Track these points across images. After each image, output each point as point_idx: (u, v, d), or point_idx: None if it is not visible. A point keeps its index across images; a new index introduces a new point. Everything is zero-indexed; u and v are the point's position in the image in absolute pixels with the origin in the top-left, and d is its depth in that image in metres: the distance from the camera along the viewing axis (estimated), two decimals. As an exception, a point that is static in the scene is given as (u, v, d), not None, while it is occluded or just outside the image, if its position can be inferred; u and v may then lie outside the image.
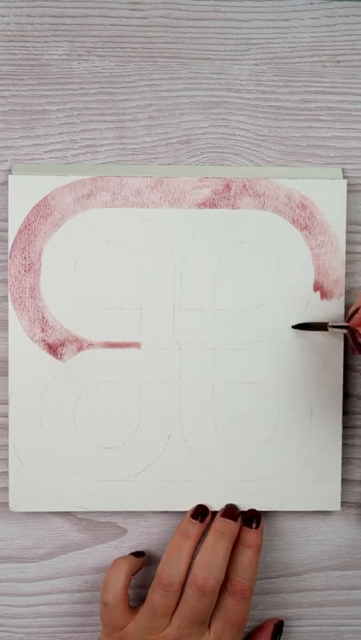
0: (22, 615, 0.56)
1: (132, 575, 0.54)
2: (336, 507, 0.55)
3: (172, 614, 0.52)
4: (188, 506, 0.55)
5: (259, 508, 0.55)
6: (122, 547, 0.56)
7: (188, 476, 0.55)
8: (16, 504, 0.54)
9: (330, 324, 0.52)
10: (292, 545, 0.57)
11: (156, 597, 0.51)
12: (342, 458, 0.55)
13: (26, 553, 0.56)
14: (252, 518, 0.54)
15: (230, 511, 0.54)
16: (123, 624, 0.52)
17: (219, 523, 0.53)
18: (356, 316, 0.50)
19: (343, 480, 0.56)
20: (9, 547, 0.56)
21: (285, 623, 0.57)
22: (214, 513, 0.54)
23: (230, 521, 0.53)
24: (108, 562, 0.56)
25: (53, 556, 0.56)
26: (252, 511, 0.55)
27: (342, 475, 0.55)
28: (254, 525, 0.54)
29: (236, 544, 0.53)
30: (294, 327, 0.54)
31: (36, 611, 0.56)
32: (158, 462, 0.55)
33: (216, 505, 0.55)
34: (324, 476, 0.55)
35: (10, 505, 0.54)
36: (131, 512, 0.56)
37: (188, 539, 0.53)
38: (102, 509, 0.55)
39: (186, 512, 0.55)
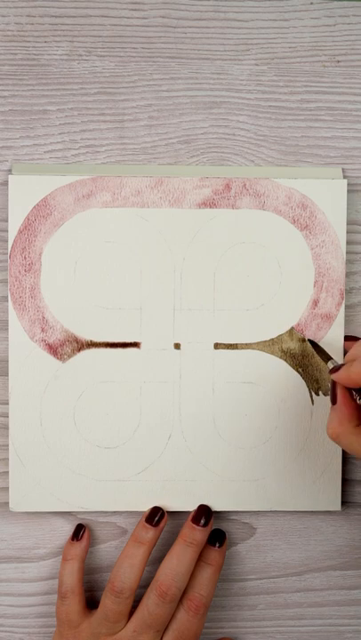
0: (22, 615, 0.56)
1: (83, 562, 0.54)
2: (336, 507, 0.55)
3: (128, 618, 0.52)
4: (188, 506, 0.55)
5: (259, 508, 0.55)
6: (122, 547, 0.56)
7: (188, 476, 0.55)
8: (16, 504, 0.54)
9: (330, 365, 0.51)
10: (292, 545, 0.57)
11: (107, 602, 0.52)
12: (342, 458, 0.55)
13: (26, 553, 0.56)
14: (216, 537, 0.54)
15: (200, 515, 0.54)
16: (78, 621, 0.52)
17: (187, 530, 0.53)
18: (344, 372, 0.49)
19: (343, 480, 0.56)
20: (9, 547, 0.56)
21: (285, 623, 0.57)
22: (224, 513, 0.54)
23: (199, 529, 0.53)
24: (108, 562, 0.56)
25: (53, 556, 0.56)
26: (217, 530, 0.55)
27: (342, 475, 0.55)
28: (217, 545, 0.54)
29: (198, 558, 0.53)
30: (309, 341, 0.54)
31: (36, 611, 0.56)
32: (158, 462, 0.55)
33: (216, 505, 0.55)
34: (324, 476, 0.55)
35: (10, 505, 0.54)
36: (131, 512, 0.56)
37: (141, 545, 0.53)
38: (102, 509, 0.55)
39: (187, 512, 0.55)
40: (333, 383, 0.49)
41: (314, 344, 0.54)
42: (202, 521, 0.53)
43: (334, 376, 0.49)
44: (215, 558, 0.54)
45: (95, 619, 0.52)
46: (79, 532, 0.55)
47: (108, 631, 0.52)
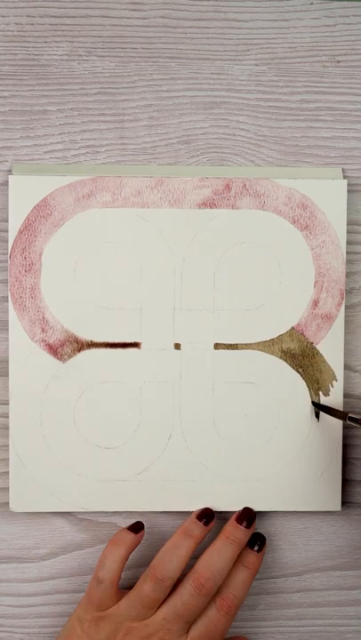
0: (23, 615, 0.56)
1: (130, 554, 0.53)
2: (336, 507, 0.55)
3: (159, 606, 0.52)
4: (188, 506, 0.55)
5: (259, 508, 0.55)
6: (122, 547, 0.56)
7: (188, 476, 0.55)
8: (16, 504, 0.54)
9: (349, 415, 0.51)
10: (292, 545, 0.57)
11: (146, 588, 0.51)
12: (342, 458, 0.55)
13: (26, 553, 0.56)
14: (256, 540, 0.54)
15: (244, 516, 0.54)
16: (108, 605, 0.52)
17: (231, 528, 0.53)
18: None
19: (343, 480, 0.56)
20: (9, 547, 0.56)
21: (285, 623, 0.57)
22: (225, 513, 0.54)
23: (242, 529, 0.53)
24: (108, 562, 0.56)
25: (54, 557, 0.56)
26: (258, 534, 0.55)
27: (342, 475, 0.55)
28: (256, 548, 0.54)
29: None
30: (314, 405, 0.55)
31: (36, 611, 0.56)
32: (158, 462, 0.55)
33: (216, 505, 0.55)
34: (324, 476, 0.55)
35: (10, 505, 0.54)
36: (131, 512, 0.56)
37: (189, 538, 0.53)
38: (103, 509, 0.55)
39: (187, 512, 0.55)
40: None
41: (322, 407, 0.54)
42: (244, 522, 0.53)
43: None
44: (253, 562, 0.53)
45: (127, 602, 0.52)
46: (138, 527, 0.54)
47: (138, 616, 0.51)
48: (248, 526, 0.53)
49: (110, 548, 0.53)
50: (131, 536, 0.53)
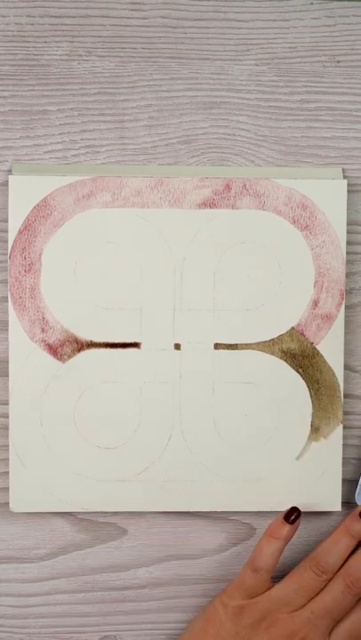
0: (22, 615, 0.56)
1: (286, 545, 0.54)
2: (336, 507, 0.55)
3: (310, 600, 0.52)
4: (189, 506, 0.55)
5: (259, 509, 0.55)
6: (122, 547, 0.56)
7: (188, 476, 0.55)
8: (16, 504, 0.54)
9: None
10: (292, 545, 0.56)
11: (307, 576, 0.52)
12: (342, 458, 0.55)
13: (26, 553, 0.56)
14: None
15: None
16: (259, 593, 0.52)
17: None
18: None
19: (343, 480, 0.56)
20: (9, 547, 0.56)
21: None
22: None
23: None
24: (108, 562, 0.56)
25: (54, 557, 0.56)
26: None
27: (342, 475, 0.55)
28: None
29: None
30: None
31: (36, 611, 0.56)
32: (158, 462, 0.55)
33: (216, 505, 0.55)
34: (325, 476, 0.55)
35: (10, 505, 0.54)
36: (131, 512, 0.56)
37: (351, 538, 0.53)
38: (102, 510, 0.55)
39: (187, 512, 0.55)
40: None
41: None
42: None
43: None
44: None
45: (280, 590, 0.52)
46: (293, 515, 0.54)
47: (289, 603, 0.52)
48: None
49: (268, 539, 0.53)
50: (287, 528, 0.53)
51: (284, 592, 0.52)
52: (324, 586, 0.52)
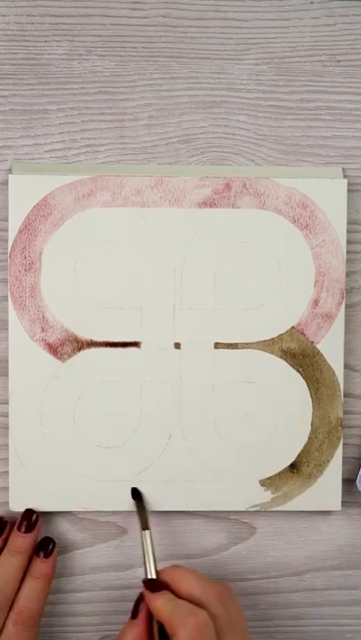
0: (22, 615, 0.56)
1: None
2: (336, 507, 0.55)
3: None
4: (188, 506, 0.55)
5: (259, 508, 0.55)
6: (122, 546, 0.56)
7: (188, 476, 0.55)
8: (16, 504, 0.54)
9: (146, 573, 0.50)
10: (292, 545, 0.56)
11: None
12: (342, 458, 0.55)
13: (26, 553, 0.56)
14: (41, 546, 0.53)
15: (23, 521, 0.53)
16: None
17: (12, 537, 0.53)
18: None
19: (343, 480, 0.56)
20: (9, 547, 0.56)
21: (286, 623, 0.57)
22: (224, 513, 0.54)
23: (22, 536, 0.52)
24: (108, 561, 0.56)
25: (53, 556, 0.56)
26: (45, 539, 0.53)
27: (342, 475, 0.55)
28: (42, 555, 0.53)
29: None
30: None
31: (36, 611, 0.56)
32: (158, 462, 0.55)
33: (216, 505, 0.55)
34: (324, 476, 0.55)
35: (10, 505, 0.54)
36: (131, 512, 0.56)
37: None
38: (102, 509, 0.55)
39: (187, 512, 0.55)
40: (141, 596, 0.49)
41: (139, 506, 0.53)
42: (23, 528, 0.53)
43: (146, 594, 0.48)
44: (43, 570, 0.53)
45: None
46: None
47: None
48: (28, 531, 0.52)
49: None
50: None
51: None
52: None
